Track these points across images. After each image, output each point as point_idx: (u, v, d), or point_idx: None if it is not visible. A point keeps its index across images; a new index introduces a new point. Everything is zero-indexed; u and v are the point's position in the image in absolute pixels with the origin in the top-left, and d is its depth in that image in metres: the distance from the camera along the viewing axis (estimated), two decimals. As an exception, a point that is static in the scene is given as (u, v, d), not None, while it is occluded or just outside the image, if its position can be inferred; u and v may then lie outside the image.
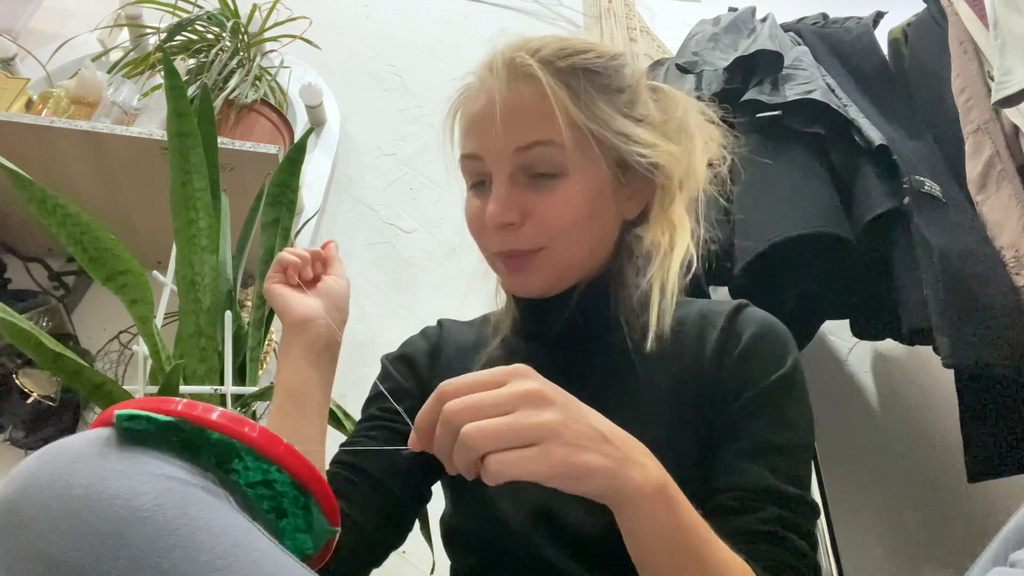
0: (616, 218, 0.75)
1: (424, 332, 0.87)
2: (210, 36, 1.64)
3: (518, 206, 0.69)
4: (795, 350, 0.71)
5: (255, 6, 1.67)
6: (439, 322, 0.88)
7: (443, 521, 0.77)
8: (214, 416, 0.43)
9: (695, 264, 0.73)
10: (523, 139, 0.69)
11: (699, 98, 0.86)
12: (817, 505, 0.65)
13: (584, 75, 0.72)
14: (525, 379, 0.47)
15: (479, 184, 0.74)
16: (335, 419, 1.04)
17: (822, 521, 1.32)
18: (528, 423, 0.45)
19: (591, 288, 0.74)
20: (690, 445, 0.67)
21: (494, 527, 0.68)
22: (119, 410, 0.42)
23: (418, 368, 0.82)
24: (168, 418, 0.42)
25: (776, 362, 0.69)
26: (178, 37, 1.61)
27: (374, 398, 0.81)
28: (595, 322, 0.74)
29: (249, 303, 1.31)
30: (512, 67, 0.71)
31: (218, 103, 1.47)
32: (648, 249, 0.73)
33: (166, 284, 1.06)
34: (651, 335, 0.69)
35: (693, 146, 0.77)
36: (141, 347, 0.96)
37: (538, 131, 0.69)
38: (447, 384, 0.47)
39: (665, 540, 0.51)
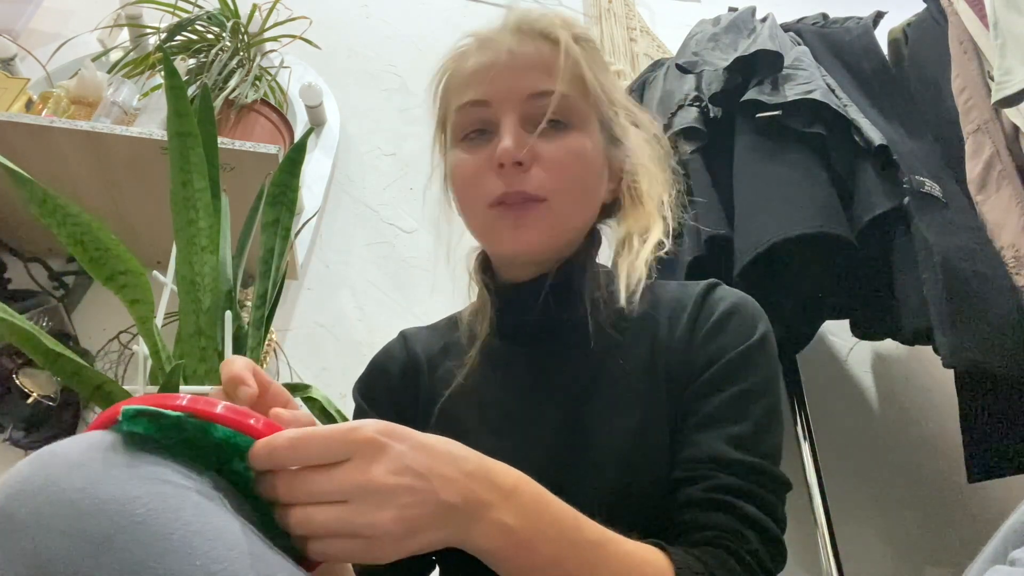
0: (599, 200, 0.77)
1: (389, 350, 0.84)
2: (210, 36, 1.64)
3: (528, 147, 0.70)
4: (764, 325, 0.70)
5: (255, 6, 1.67)
6: (402, 334, 0.86)
7: None
8: (218, 409, 0.43)
9: (667, 245, 0.75)
10: (537, 86, 0.71)
11: (698, 98, 0.90)
12: (782, 476, 0.63)
13: (592, 46, 0.77)
14: None
15: (476, 135, 0.74)
16: (334, 421, 1.04)
17: (822, 521, 1.32)
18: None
19: (562, 270, 0.74)
20: (663, 430, 0.66)
21: None
22: (125, 406, 0.42)
23: (394, 392, 0.80)
24: (176, 413, 0.42)
25: (742, 336, 0.68)
26: (178, 37, 1.61)
27: None
28: (567, 308, 0.74)
29: (249, 303, 1.31)
30: (530, 25, 0.74)
31: (218, 103, 1.46)
32: (622, 237, 0.75)
33: (166, 284, 1.06)
34: (623, 299, 0.70)
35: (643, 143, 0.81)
36: (141, 347, 0.95)
37: (552, 82, 0.71)
38: None
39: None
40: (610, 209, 0.80)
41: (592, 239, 0.78)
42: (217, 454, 0.44)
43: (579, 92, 0.72)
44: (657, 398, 0.67)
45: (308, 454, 0.43)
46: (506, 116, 0.71)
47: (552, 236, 0.71)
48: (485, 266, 0.81)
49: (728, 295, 0.73)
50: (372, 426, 0.44)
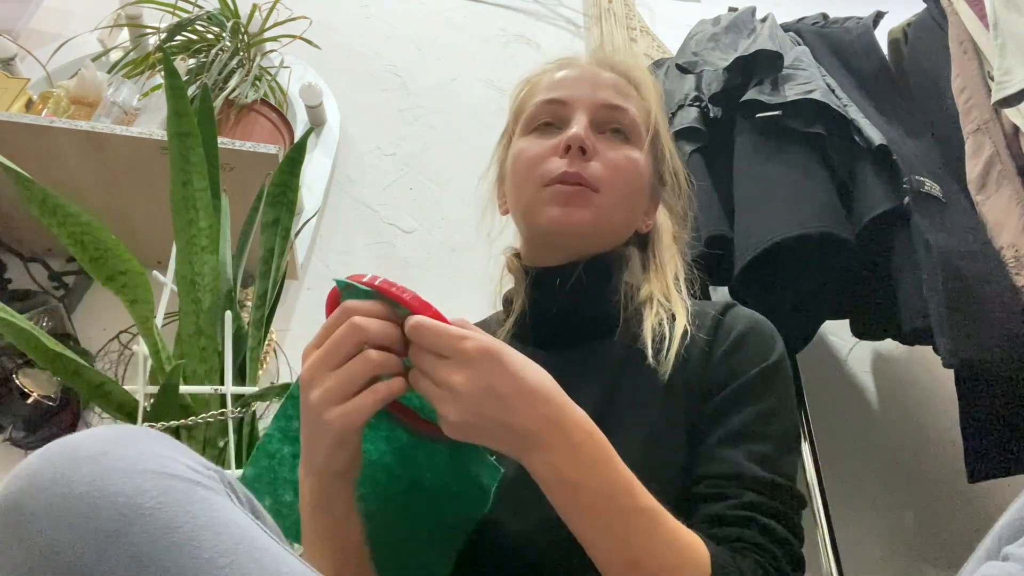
0: (637, 217, 0.83)
1: None
2: (210, 36, 1.64)
3: (593, 142, 0.78)
4: (780, 346, 0.73)
5: (255, 6, 1.67)
6: None
7: None
8: (377, 282, 0.54)
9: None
10: (611, 100, 0.81)
11: (698, 98, 0.97)
12: (800, 495, 0.66)
13: (660, 99, 0.88)
14: None
15: (545, 127, 0.82)
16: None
17: (822, 521, 1.32)
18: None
19: (594, 260, 0.78)
20: (679, 444, 0.68)
21: (500, 540, 0.68)
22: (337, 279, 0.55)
23: None
24: (367, 288, 0.54)
25: (760, 356, 0.71)
26: (178, 37, 1.61)
27: None
28: (595, 299, 0.77)
29: (249, 303, 1.31)
30: (612, 62, 0.86)
31: (218, 103, 1.46)
32: (646, 297, 0.78)
33: (166, 284, 1.05)
34: (650, 356, 0.72)
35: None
36: (141, 347, 0.96)
37: (627, 103, 0.82)
38: None
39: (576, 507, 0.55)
40: (638, 243, 0.85)
41: (628, 246, 0.82)
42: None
43: (644, 123, 0.82)
44: (675, 411, 0.69)
45: (422, 341, 0.52)
46: (578, 114, 0.79)
47: (595, 224, 0.76)
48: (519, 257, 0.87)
49: (745, 315, 0.76)
50: (477, 340, 0.52)
